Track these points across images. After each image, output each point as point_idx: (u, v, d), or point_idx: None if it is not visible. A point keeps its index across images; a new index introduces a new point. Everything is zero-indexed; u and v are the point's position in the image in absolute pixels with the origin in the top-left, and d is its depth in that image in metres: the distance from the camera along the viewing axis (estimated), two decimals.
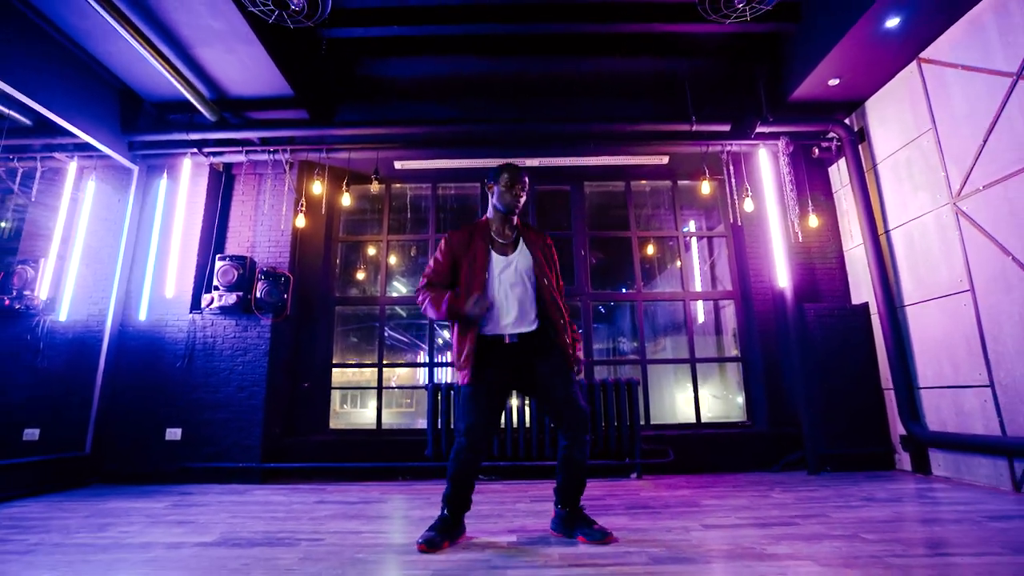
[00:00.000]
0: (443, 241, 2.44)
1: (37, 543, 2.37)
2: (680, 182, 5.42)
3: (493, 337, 2.34)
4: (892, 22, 3.55)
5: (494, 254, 2.40)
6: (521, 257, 2.41)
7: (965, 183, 3.48)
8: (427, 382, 4.81)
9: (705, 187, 4.82)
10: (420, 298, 2.40)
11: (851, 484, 3.55)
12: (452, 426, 4.24)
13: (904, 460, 4.06)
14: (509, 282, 2.37)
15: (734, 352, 5.18)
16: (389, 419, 5.15)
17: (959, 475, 3.59)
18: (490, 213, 2.50)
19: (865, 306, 4.46)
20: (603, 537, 2.21)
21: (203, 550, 2.23)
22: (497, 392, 2.32)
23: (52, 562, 2.08)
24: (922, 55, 3.83)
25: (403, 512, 3.05)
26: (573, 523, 2.32)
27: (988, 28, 3.29)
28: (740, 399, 4.96)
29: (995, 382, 3.27)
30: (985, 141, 3.30)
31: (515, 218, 2.49)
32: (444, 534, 2.24)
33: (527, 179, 2.46)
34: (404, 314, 9.56)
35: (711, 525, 2.50)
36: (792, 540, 2.19)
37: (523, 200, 2.43)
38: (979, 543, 2.09)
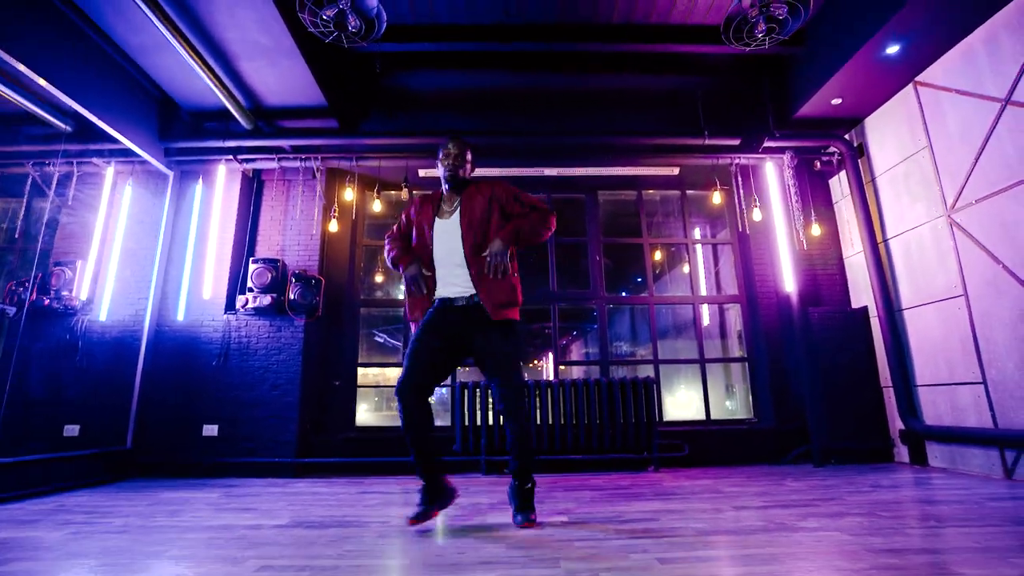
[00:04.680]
0: (410, 205, 2.68)
1: (124, 526, 2.55)
2: (689, 192, 5.72)
3: (436, 300, 2.51)
4: (892, 49, 3.87)
5: (437, 220, 2.55)
6: (451, 221, 2.52)
7: (959, 197, 3.81)
8: (452, 381, 5.02)
9: (716, 197, 5.11)
10: (386, 245, 2.67)
11: (856, 474, 3.85)
12: (479, 423, 4.47)
13: (902, 453, 4.36)
14: (446, 246, 2.49)
15: (738, 352, 5.47)
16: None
17: (954, 465, 3.90)
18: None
19: (864, 310, 4.77)
20: (523, 522, 2.36)
21: (284, 530, 2.43)
22: (427, 349, 2.42)
23: (153, 539, 2.27)
24: (918, 79, 4.16)
25: None
26: (514, 498, 2.47)
27: (979, 56, 3.62)
28: (748, 397, 5.24)
29: (987, 379, 3.59)
30: (977, 159, 3.63)
31: (459, 182, 2.58)
32: (429, 504, 2.41)
33: (453, 146, 2.54)
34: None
35: (740, 507, 2.76)
36: (817, 517, 2.46)
37: (454, 166, 2.52)
38: (981, 518, 2.38)
